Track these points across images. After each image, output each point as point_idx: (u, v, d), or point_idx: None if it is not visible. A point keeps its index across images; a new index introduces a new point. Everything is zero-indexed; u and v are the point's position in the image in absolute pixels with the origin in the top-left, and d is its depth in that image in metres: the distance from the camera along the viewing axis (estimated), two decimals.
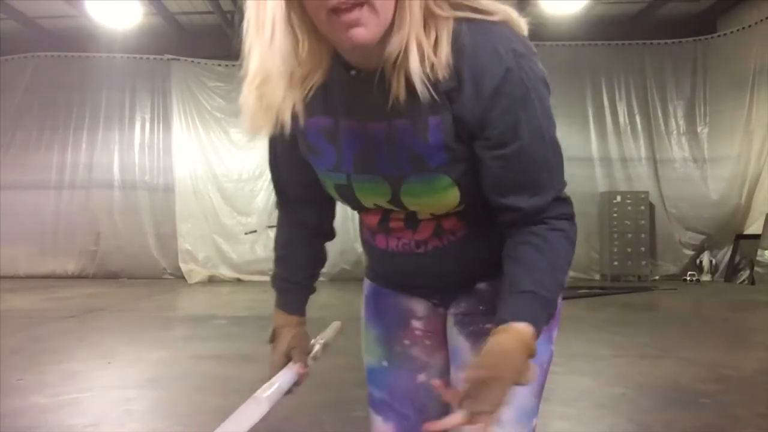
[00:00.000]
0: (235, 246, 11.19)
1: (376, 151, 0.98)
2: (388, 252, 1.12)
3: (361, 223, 1.18)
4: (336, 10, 0.83)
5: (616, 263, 10.75)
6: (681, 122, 11.21)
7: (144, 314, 7.16)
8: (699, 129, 11.15)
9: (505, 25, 0.91)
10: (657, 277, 10.90)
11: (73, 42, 11.42)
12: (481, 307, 1.12)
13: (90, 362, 4.47)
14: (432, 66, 0.87)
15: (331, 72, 0.96)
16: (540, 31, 11.15)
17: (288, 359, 1.19)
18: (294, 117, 0.95)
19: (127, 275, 11.12)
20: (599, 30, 11.11)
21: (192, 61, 11.40)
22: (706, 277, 10.72)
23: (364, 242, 1.20)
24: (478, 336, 1.10)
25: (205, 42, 11.67)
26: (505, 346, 0.87)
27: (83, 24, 10.72)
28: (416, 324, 1.21)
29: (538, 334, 0.90)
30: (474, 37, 0.89)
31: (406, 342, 1.21)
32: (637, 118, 11.24)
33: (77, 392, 3.68)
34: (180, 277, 10.92)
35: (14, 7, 10.53)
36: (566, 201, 0.99)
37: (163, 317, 7.02)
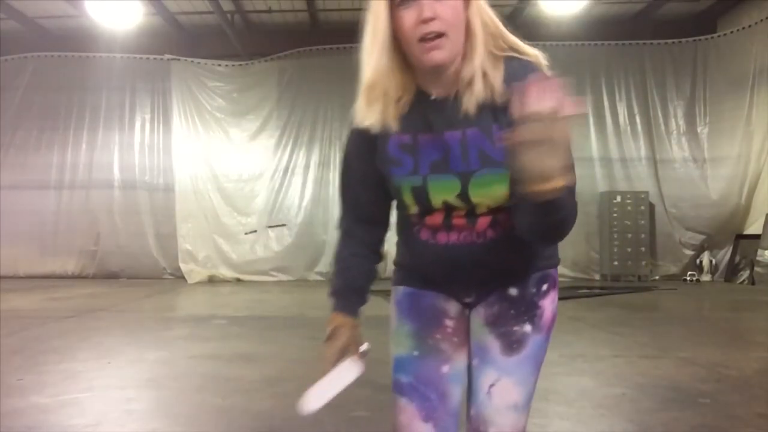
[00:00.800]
0: (235, 246, 11.20)
1: (451, 154, 1.28)
2: (449, 246, 1.33)
3: (418, 227, 1.38)
4: (423, 39, 1.21)
5: (616, 263, 10.76)
6: (681, 122, 11.21)
7: (144, 314, 7.17)
8: (699, 129, 11.15)
9: (536, 62, 1.31)
10: (657, 277, 10.91)
11: (73, 42, 11.43)
12: (512, 311, 1.36)
13: (90, 362, 4.47)
14: (492, 88, 1.25)
15: (414, 98, 1.31)
16: (540, 31, 11.25)
17: (342, 355, 1.38)
18: (386, 128, 1.31)
19: (127, 275, 11.13)
20: (599, 30, 11.11)
21: (192, 61, 11.41)
22: (706, 277, 10.72)
23: (423, 244, 1.37)
24: (506, 337, 1.35)
25: (205, 42, 11.68)
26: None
27: (83, 24, 10.72)
28: (448, 323, 1.42)
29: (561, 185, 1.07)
30: (519, 67, 1.27)
31: (438, 336, 1.41)
32: (637, 118, 11.25)
33: (77, 392, 3.68)
34: (180, 277, 10.93)
35: (14, 7, 10.54)
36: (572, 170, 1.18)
37: (163, 317, 7.02)
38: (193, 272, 10.90)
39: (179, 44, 11.62)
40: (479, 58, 1.25)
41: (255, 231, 11.23)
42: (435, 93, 1.30)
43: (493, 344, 1.35)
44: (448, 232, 1.33)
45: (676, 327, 6.15)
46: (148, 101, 11.56)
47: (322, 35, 11.50)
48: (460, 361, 1.41)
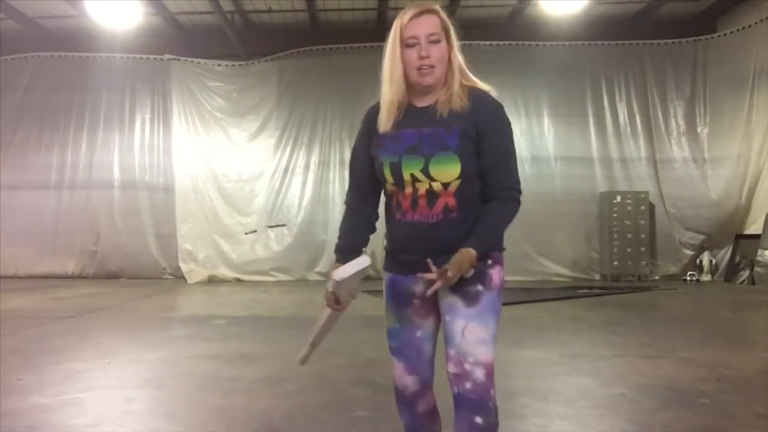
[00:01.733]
0: (235, 246, 11.19)
1: (422, 142, 1.91)
2: (414, 222, 1.94)
3: (396, 210, 1.98)
4: (420, 68, 1.88)
5: (616, 263, 10.76)
6: (681, 122, 11.21)
7: (144, 314, 7.17)
8: (699, 129, 11.15)
9: (490, 92, 1.97)
10: (657, 277, 10.91)
11: (73, 42, 11.43)
12: (466, 278, 1.89)
13: (90, 362, 4.47)
14: (459, 104, 1.91)
15: (407, 108, 1.96)
16: (540, 31, 11.26)
17: None
18: (387, 127, 1.95)
19: (127, 275, 11.13)
20: (599, 30, 11.11)
21: (192, 61, 11.41)
22: (706, 277, 10.72)
23: (397, 222, 1.97)
24: (465, 294, 1.91)
25: (205, 42, 11.69)
26: (462, 255, 1.83)
27: (83, 24, 10.73)
28: (416, 301, 2.01)
29: (478, 252, 1.85)
30: (480, 95, 1.95)
31: (410, 312, 2.02)
32: (637, 118, 11.24)
33: (77, 392, 3.68)
34: (180, 277, 10.93)
35: (14, 7, 10.54)
36: (519, 190, 1.95)
37: (163, 317, 7.03)
38: (193, 272, 10.90)
39: (179, 44, 11.63)
40: (456, 83, 1.91)
41: (255, 231, 11.23)
42: (420, 104, 1.96)
43: (457, 302, 1.92)
44: (413, 212, 1.94)
45: (676, 327, 6.15)
46: (148, 101, 11.56)
47: (322, 35, 11.51)
48: (428, 327, 2.03)
